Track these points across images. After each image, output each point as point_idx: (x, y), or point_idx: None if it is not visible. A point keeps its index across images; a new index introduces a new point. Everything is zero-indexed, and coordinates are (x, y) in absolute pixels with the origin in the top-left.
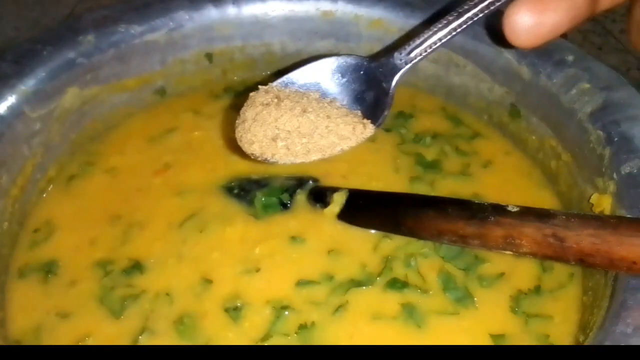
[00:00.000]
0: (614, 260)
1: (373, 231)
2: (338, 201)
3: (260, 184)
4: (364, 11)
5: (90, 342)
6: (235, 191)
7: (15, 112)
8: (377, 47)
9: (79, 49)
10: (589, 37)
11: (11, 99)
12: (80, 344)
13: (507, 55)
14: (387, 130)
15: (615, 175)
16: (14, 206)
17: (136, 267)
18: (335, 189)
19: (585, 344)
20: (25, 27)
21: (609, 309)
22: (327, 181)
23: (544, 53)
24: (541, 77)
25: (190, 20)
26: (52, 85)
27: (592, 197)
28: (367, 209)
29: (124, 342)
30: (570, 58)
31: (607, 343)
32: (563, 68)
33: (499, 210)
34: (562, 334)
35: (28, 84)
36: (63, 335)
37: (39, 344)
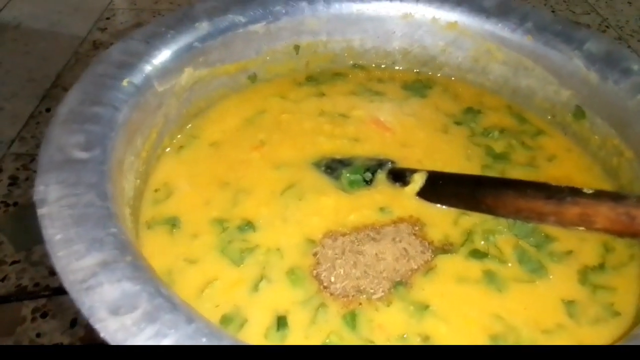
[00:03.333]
0: None
1: (445, 207)
2: (418, 181)
3: (344, 163)
4: (441, 14)
5: (217, 285)
6: (323, 168)
7: (148, 85)
8: (450, 48)
9: (196, 34)
10: None
11: (146, 73)
12: (209, 285)
13: (577, 61)
14: (458, 123)
15: None
16: (143, 167)
17: (249, 225)
18: (414, 170)
19: None
20: (67, 12)
21: None
22: (403, 164)
23: (611, 61)
24: (608, 82)
25: (285, 15)
26: (175, 64)
27: None
28: (447, 188)
29: (247, 287)
30: (635, 67)
31: None
32: (629, 75)
33: (575, 191)
34: (625, 302)
35: (158, 61)
36: (192, 278)
37: (172, 285)
